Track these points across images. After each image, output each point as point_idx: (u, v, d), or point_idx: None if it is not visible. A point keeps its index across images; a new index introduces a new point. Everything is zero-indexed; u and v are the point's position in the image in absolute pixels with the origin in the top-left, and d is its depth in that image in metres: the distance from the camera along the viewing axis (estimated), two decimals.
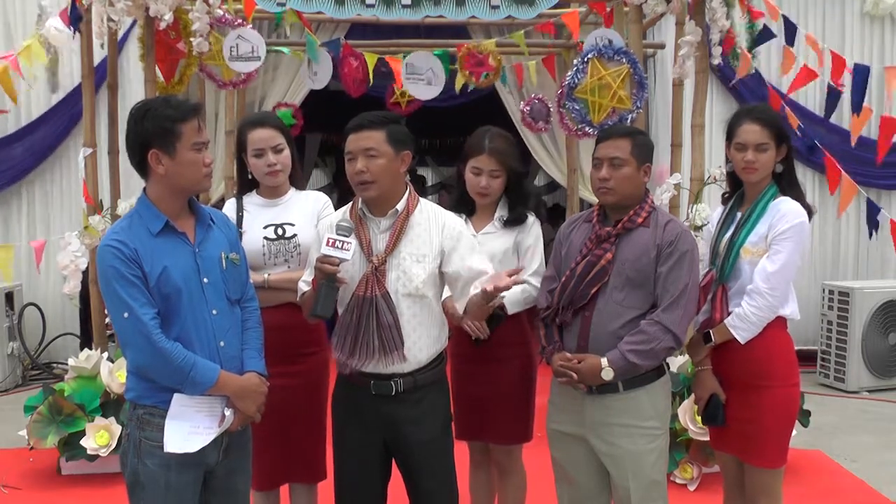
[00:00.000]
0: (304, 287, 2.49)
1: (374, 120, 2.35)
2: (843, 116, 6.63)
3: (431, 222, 2.41)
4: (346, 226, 2.30)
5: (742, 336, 2.53)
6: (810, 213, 2.58)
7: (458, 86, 5.20)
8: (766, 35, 4.64)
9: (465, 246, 2.41)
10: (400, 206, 2.39)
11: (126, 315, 2.06)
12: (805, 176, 6.58)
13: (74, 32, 4.30)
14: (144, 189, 2.20)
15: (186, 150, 2.12)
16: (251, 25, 4.33)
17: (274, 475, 2.84)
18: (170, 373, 2.09)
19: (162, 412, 2.12)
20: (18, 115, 6.32)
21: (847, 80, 4.73)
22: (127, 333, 2.09)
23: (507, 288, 2.20)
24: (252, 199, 2.90)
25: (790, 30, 4.73)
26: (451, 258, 2.38)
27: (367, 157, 2.32)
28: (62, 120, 6.28)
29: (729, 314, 2.57)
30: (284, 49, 5.27)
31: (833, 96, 4.87)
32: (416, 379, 2.38)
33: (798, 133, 4.83)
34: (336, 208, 2.67)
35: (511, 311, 2.81)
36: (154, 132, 2.10)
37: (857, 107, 4.68)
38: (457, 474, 2.50)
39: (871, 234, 4.75)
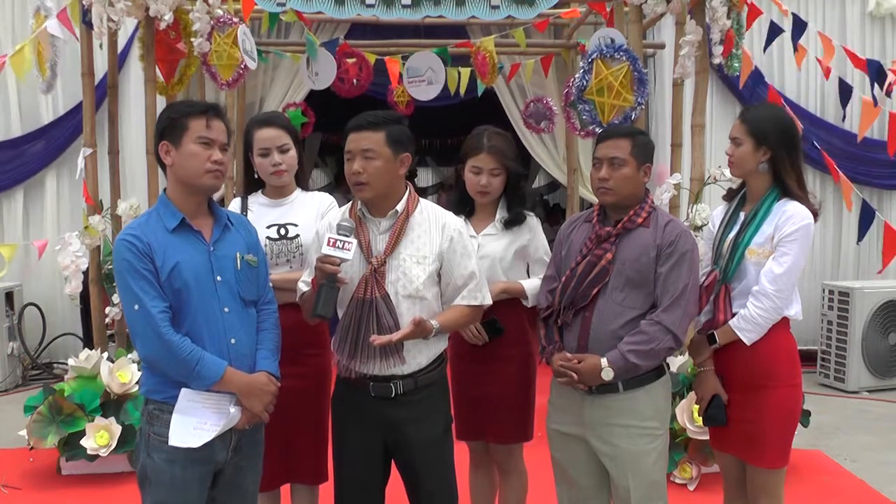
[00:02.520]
0: (303, 287, 2.49)
1: (374, 120, 2.34)
2: (842, 121, 6.65)
3: (432, 223, 2.40)
4: (347, 226, 2.29)
5: (748, 338, 2.52)
6: (816, 215, 2.57)
7: (462, 85, 5.18)
8: (774, 32, 4.63)
9: (460, 251, 2.40)
10: (399, 206, 2.38)
11: (136, 307, 2.12)
12: (804, 176, 6.57)
13: (88, 26, 4.25)
14: (164, 188, 2.30)
15: (191, 143, 2.20)
16: (249, 26, 4.32)
17: (274, 476, 2.83)
18: (176, 365, 2.13)
19: (171, 408, 2.15)
20: (26, 118, 6.34)
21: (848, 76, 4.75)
22: (137, 325, 2.14)
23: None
24: (257, 199, 2.90)
25: (798, 27, 4.71)
26: (445, 264, 2.39)
27: (364, 159, 2.32)
28: (69, 123, 6.28)
29: (733, 315, 2.56)
30: (280, 53, 5.26)
31: (845, 89, 4.86)
32: (416, 380, 2.38)
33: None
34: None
35: (532, 303, 2.80)
36: (166, 124, 2.24)
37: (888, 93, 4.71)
38: (457, 474, 2.50)
39: (860, 238, 4.73)
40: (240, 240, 2.32)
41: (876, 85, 4.87)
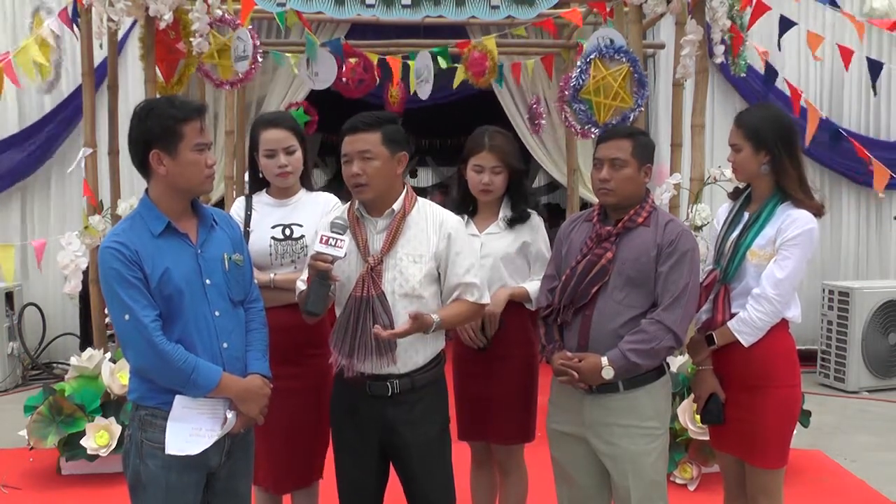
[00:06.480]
0: (301, 286, 2.48)
1: (369, 121, 2.33)
2: (842, 118, 6.64)
3: (429, 222, 2.41)
4: (340, 223, 2.29)
5: (746, 340, 2.52)
6: (821, 212, 2.57)
7: (456, 82, 5.19)
8: (785, 26, 4.60)
9: (456, 249, 2.39)
10: (396, 206, 2.38)
11: (127, 317, 2.05)
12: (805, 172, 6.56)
13: (73, 27, 4.29)
14: (146, 190, 2.19)
15: (188, 151, 2.11)
16: (250, 26, 4.32)
17: (285, 479, 2.81)
18: (171, 375, 2.08)
19: (164, 414, 2.11)
20: (21, 116, 6.32)
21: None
22: (128, 335, 2.08)
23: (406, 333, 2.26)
24: (262, 199, 2.89)
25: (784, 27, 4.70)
26: (443, 262, 2.38)
27: (362, 160, 2.32)
28: (63, 121, 6.27)
29: (731, 315, 2.56)
30: (276, 54, 5.26)
31: (875, 69, 4.84)
32: (412, 380, 2.37)
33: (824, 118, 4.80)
34: None
35: (537, 305, 2.80)
36: (156, 132, 2.09)
37: None
38: (456, 475, 2.49)
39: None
40: (225, 239, 2.26)
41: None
